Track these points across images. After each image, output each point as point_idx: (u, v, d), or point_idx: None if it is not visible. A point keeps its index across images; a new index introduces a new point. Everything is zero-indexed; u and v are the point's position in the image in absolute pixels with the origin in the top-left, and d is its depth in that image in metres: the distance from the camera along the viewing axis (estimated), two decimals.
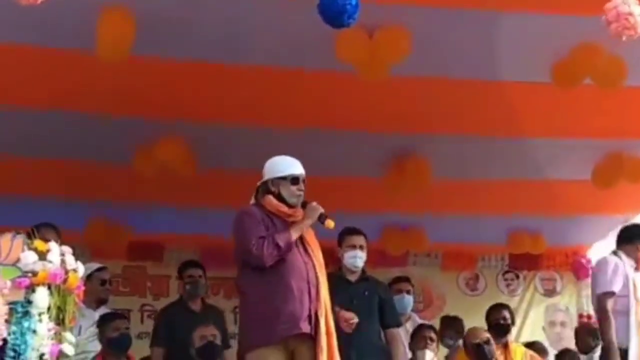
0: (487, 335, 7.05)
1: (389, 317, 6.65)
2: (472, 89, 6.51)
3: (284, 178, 5.48)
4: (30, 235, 4.42)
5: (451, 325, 8.28)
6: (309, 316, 5.18)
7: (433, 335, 7.20)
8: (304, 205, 5.45)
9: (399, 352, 6.67)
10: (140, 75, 6.06)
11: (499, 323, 7.68)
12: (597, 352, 7.47)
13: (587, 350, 8.29)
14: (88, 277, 6.50)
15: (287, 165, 5.53)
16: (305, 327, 5.16)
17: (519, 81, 6.45)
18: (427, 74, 6.30)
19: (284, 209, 5.42)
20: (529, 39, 5.92)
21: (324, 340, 5.13)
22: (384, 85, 6.13)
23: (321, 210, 5.39)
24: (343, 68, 5.83)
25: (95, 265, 7.20)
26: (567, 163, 7.70)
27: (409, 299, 7.85)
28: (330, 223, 5.36)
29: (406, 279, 8.03)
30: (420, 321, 7.95)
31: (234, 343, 8.59)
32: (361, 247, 6.51)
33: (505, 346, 7.23)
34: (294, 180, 5.46)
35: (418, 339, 7.17)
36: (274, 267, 5.24)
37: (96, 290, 7.07)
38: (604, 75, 6.12)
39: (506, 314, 7.88)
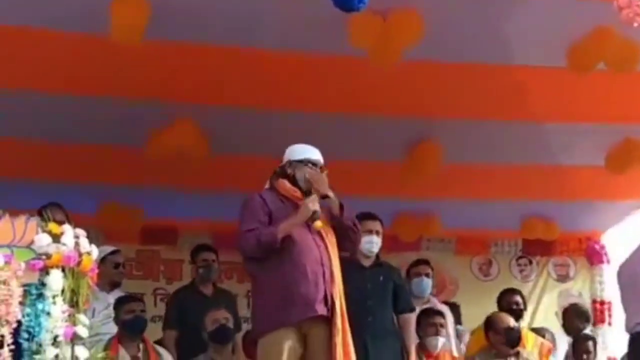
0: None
1: (403, 303, 6.68)
2: (485, 73, 6.49)
3: (300, 161, 5.48)
4: (42, 217, 4.44)
5: (450, 312, 8.25)
6: (325, 298, 5.17)
7: (443, 320, 7.12)
8: (308, 193, 5.40)
9: (411, 337, 6.70)
10: (153, 58, 6.07)
11: (512, 308, 7.71)
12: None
13: (574, 331, 8.24)
14: (102, 260, 6.54)
15: (306, 150, 5.54)
16: (321, 310, 5.16)
17: (533, 65, 6.43)
18: (440, 58, 6.29)
19: (297, 193, 5.42)
20: (543, 23, 5.90)
21: (339, 321, 5.13)
22: (396, 70, 6.12)
23: (315, 209, 5.29)
24: (356, 53, 5.82)
25: (109, 249, 7.23)
26: (581, 148, 7.68)
27: (427, 282, 7.79)
28: (318, 224, 5.30)
29: (425, 262, 8.00)
30: (439, 305, 7.92)
31: (247, 327, 8.71)
32: (377, 233, 6.53)
33: None
34: (312, 165, 5.48)
35: (427, 325, 7.07)
36: (287, 250, 5.23)
37: (110, 273, 7.10)
38: (618, 59, 6.10)
39: (519, 298, 7.91)
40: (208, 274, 7.51)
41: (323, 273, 5.22)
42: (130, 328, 6.52)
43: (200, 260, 7.52)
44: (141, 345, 6.52)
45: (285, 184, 5.46)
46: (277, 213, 5.35)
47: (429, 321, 7.10)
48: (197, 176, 7.68)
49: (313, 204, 5.30)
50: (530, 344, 7.44)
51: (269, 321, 5.20)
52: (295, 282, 5.19)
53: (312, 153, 5.52)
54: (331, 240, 5.37)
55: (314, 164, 5.48)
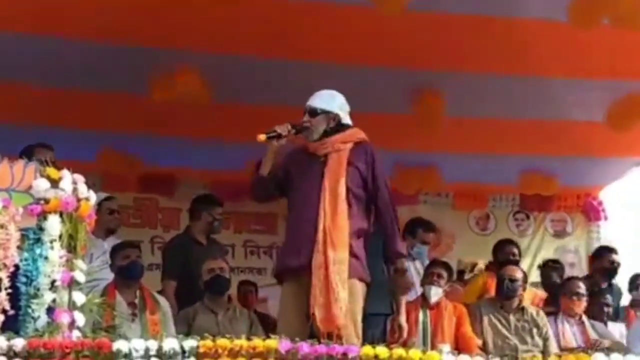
0: None
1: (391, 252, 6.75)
2: (487, 26, 6.46)
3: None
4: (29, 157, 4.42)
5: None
6: (311, 248, 5.25)
7: (443, 272, 7.13)
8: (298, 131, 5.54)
9: (400, 288, 6.67)
10: (158, 5, 6.02)
11: (509, 259, 7.74)
12: None
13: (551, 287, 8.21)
14: (97, 207, 6.52)
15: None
16: (303, 260, 5.27)
17: (537, 19, 6.39)
18: (444, 10, 6.24)
19: (304, 141, 5.55)
20: None
21: (320, 273, 5.20)
22: (400, 21, 6.09)
23: (277, 130, 5.44)
24: (361, 2, 5.77)
25: (103, 195, 7.19)
26: (582, 104, 7.66)
27: (426, 249, 7.94)
28: (260, 137, 5.43)
29: (433, 229, 8.11)
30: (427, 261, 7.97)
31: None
32: None
33: None
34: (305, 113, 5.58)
35: (427, 274, 7.15)
36: (292, 198, 5.50)
37: (105, 219, 7.07)
38: (621, 15, 6.06)
39: (514, 249, 7.92)
40: (219, 228, 7.57)
41: (316, 221, 5.27)
42: (126, 273, 6.51)
43: (218, 214, 7.52)
44: (138, 292, 6.51)
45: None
46: (294, 163, 5.54)
47: (429, 270, 7.18)
48: (197, 126, 7.67)
49: (280, 127, 5.43)
50: (527, 299, 7.49)
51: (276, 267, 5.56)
52: (289, 231, 5.46)
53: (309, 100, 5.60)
54: (333, 188, 5.37)
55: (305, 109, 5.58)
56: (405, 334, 6.46)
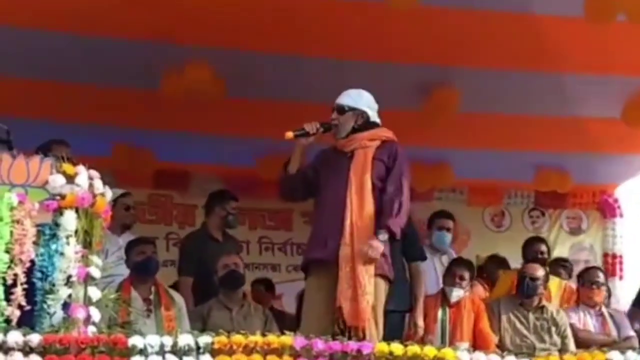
0: None
1: (412, 251, 6.76)
2: (502, 22, 6.44)
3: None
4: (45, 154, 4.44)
5: None
6: (338, 241, 5.29)
7: (465, 273, 7.07)
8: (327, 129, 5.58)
9: (420, 287, 6.80)
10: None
11: (537, 257, 7.75)
12: None
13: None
14: (113, 203, 6.54)
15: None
16: (325, 254, 5.33)
17: (552, 15, 6.36)
18: (458, 5, 6.23)
19: (332, 140, 5.62)
20: None
21: (344, 266, 5.24)
22: (412, 16, 6.09)
23: (306, 128, 5.51)
24: None
25: (119, 191, 7.21)
26: (598, 100, 7.62)
27: (448, 237, 7.95)
28: (288, 134, 5.52)
29: (448, 216, 8.09)
30: (454, 255, 7.99)
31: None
32: None
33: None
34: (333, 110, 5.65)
35: (449, 275, 7.11)
36: (320, 194, 5.59)
37: (121, 215, 7.09)
38: (637, 10, 6.02)
39: (543, 247, 7.93)
40: (235, 223, 7.57)
41: (342, 217, 5.32)
42: (141, 269, 6.53)
43: (232, 208, 7.55)
44: (153, 288, 6.52)
45: None
46: (323, 162, 5.64)
47: (451, 271, 7.14)
48: (210, 120, 7.66)
49: (308, 125, 5.50)
50: (555, 289, 7.54)
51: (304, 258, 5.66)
52: (316, 225, 5.61)
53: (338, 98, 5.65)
54: (357, 183, 5.41)
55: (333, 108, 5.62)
56: (421, 332, 6.48)
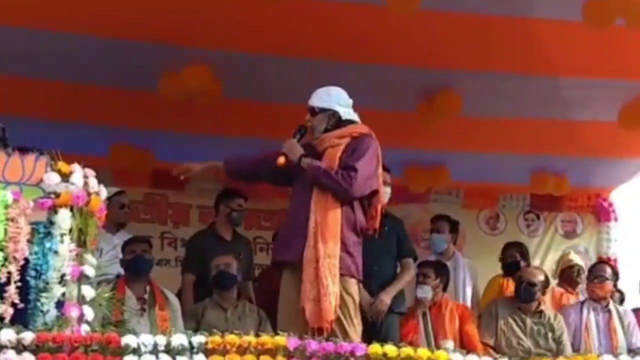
0: None
1: (404, 250, 6.89)
2: (501, 26, 6.44)
3: None
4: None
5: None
6: (303, 242, 5.26)
7: (429, 271, 7.06)
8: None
9: (402, 279, 6.81)
10: (168, 0, 6.03)
11: (510, 262, 7.79)
12: None
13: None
14: (107, 201, 6.55)
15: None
16: (295, 254, 5.29)
17: (550, 19, 6.37)
18: (457, 9, 6.23)
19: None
20: None
21: (310, 267, 5.21)
22: (413, 20, 6.09)
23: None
24: (374, 1, 5.76)
25: (114, 189, 7.21)
26: (595, 103, 7.63)
27: (441, 238, 8.04)
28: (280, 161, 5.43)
29: (443, 218, 8.18)
30: (461, 260, 8.09)
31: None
32: (387, 184, 6.51)
33: None
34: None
35: (417, 275, 7.09)
36: (291, 194, 5.57)
37: (116, 214, 7.09)
38: (635, 15, 6.03)
39: (515, 252, 7.95)
40: (240, 219, 7.54)
41: (307, 217, 5.27)
42: (131, 268, 6.53)
43: (236, 205, 7.49)
44: (148, 288, 6.53)
45: None
46: None
47: (417, 272, 7.11)
48: (208, 121, 7.66)
49: (287, 145, 5.48)
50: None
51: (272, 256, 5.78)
52: (283, 225, 5.63)
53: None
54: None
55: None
56: (382, 306, 6.49)
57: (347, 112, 5.55)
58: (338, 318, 5.20)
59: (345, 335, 5.09)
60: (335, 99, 5.54)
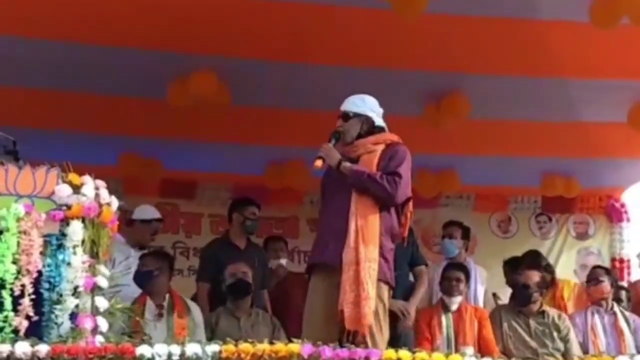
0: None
1: (415, 258, 7.10)
2: (508, 28, 6.43)
3: None
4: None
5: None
6: (342, 244, 5.25)
7: (460, 276, 7.10)
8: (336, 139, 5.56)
9: (420, 289, 7.09)
10: (175, 10, 6.04)
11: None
12: None
13: None
14: (148, 223, 7.35)
15: None
16: (332, 254, 5.27)
17: (557, 20, 6.36)
18: (463, 13, 6.23)
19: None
20: None
21: (350, 269, 5.19)
22: (419, 24, 6.08)
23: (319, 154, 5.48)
24: (380, 5, 5.76)
25: (156, 214, 7.54)
26: (604, 104, 7.60)
27: (453, 244, 7.97)
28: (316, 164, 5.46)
29: (455, 223, 8.15)
30: (472, 265, 8.04)
31: None
32: None
33: None
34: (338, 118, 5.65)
35: (443, 279, 7.17)
36: (325, 200, 5.60)
37: (147, 238, 7.34)
38: None
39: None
40: (254, 228, 7.55)
41: (346, 221, 5.27)
42: (138, 283, 6.57)
43: (250, 213, 7.49)
44: (167, 296, 6.54)
45: None
46: (330, 168, 5.55)
47: (443, 275, 7.18)
48: (216, 129, 7.67)
49: (322, 150, 5.46)
50: (567, 292, 7.70)
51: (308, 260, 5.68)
52: (320, 229, 5.57)
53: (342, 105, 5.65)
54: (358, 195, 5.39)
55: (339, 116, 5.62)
56: (409, 321, 6.65)
57: (379, 119, 5.62)
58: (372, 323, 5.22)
59: (373, 342, 5.09)
60: (369, 105, 5.60)
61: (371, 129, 5.56)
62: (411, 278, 7.18)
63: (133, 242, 7.16)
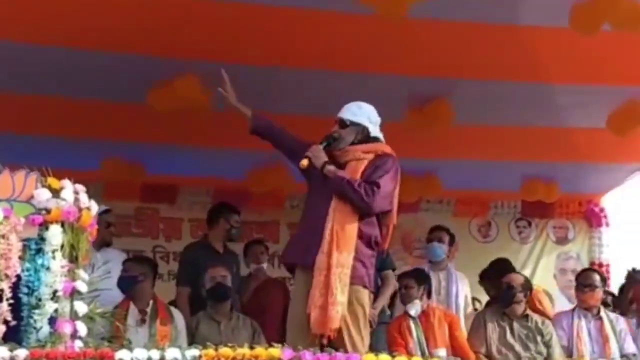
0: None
1: (386, 262, 7.22)
2: (490, 33, 6.43)
3: None
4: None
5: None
6: (318, 249, 5.27)
7: (412, 282, 7.17)
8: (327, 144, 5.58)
9: (386, 292, 7.36)
10: (156, 13, 6.02)
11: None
12: None
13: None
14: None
15: None
16: (309, 259, 5.29)
17: (538, 25, 6.37)
18: (445, 17, 6.23)
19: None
20: None
21: (321, 274, 5.22)
22: (402, 29, 6.08)
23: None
24: (363, 10, 5.76)
25: (101, 207, 7.22)
26: (584, 110, 7.62)
27: (439, 248, 8.12)
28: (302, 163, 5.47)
29: (440, 228, 8.29)
30: (452, 271, 8.14)
31: None
32: None
33: None
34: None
35: (400, 288, 7.30)
36: (308, 198, 5.62)
37: (101, 232, 7.11)
38: (622, 20, 6.04)
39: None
40: (238, 235, 7.59)
41: (323, 223, 5.29)
42: (121, 288, 6.56)
43: (234, 221, 7.57)
44: (151, 302, 6.56)
45: None
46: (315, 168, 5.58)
47: (399, 283, 7.34)
48: (198, 134, 7.66)
49: (312, 151, 5.49)
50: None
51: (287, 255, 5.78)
52: (300, 229, 5.64)
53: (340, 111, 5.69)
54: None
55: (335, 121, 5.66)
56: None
57: (375, 129, 5.63)
58: (347, 327, 5.22)
59: (353, 346, 5.11)
60: (366, 114, 5.63)
61: (366, 139, 5.59)
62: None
63: (95, 244, 7.00)
